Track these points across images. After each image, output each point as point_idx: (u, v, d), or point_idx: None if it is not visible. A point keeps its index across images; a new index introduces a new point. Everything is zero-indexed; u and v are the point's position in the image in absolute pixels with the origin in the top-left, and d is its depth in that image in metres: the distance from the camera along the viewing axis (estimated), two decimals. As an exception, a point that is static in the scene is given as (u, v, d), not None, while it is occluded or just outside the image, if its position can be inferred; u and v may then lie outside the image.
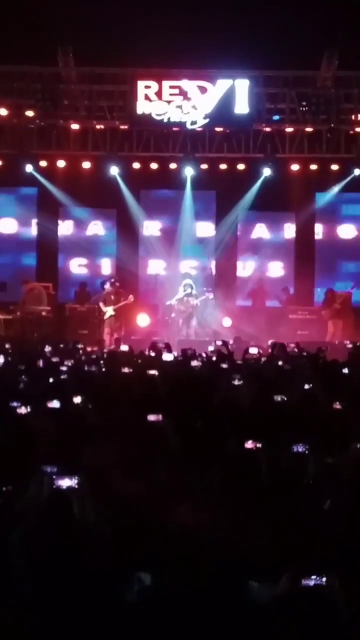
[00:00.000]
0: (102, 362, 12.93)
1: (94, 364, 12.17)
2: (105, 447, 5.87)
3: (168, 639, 3.06)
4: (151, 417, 6.18)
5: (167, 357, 13.18)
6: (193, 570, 3.28)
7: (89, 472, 4.19)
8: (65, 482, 3.87)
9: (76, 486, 3.85)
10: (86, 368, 11.78)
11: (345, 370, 11.52)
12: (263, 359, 13.91)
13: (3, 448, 5.41)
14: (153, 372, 10.16)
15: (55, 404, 7.19)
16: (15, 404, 6.75)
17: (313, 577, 3.07)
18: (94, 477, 4.25)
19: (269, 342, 17.44)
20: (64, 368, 11.66)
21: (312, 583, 3.07)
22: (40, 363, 12.40)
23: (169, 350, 14.30)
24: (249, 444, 5.30)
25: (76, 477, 3.88)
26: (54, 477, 3.90)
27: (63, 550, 3.54)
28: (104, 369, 11.81)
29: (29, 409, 6.62)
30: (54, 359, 12.66)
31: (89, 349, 17.12)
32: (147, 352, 14.46)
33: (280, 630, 2.99)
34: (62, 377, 10.34)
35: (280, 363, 12.77)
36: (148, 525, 3.79)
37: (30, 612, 3.22)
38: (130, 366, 11.05)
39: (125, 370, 10.61)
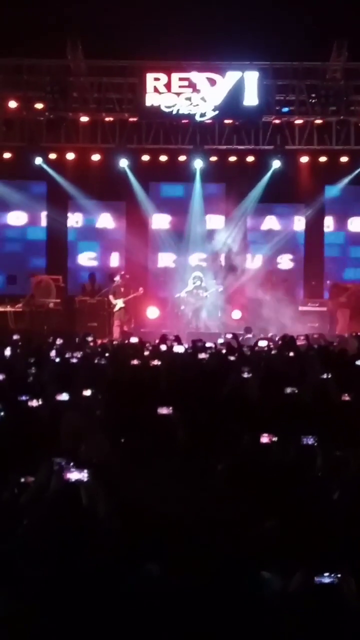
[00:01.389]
0: (111, 354, 12.94)
1: (103, 357, 12.17)
2: (113, 440, 5.89)
3: (177, 629, 3.07)
4: (162, 410, 6.19)
5: (178, 349, 13.20)
6: (202, 561, 3.29)
7: (98, 465, 4.21)
8: (75, 475, 3.88)
9: (85, 479, 3.86)
10: (96, 360, 11.79)
11: (358, 362, 11.50)
12: (272, 352, 13.91)
13: (14, 440, 5.43)
14: (156, 362, 10.19)
15: (64, 396, 7.21)
16: (25, 397, 6.77)
17: (326, 574, 3.07)
18: (103, 469, 4.26)
19: (278, 334, 17.46)
20: (73, 360, 11.69)
21: (325, 581, 3.06)
22: (50, 355, 12.43)
23: (179, 343, 14.33)
24: (265, 438, 5.30)
25: (85, 470, 3.89)
26: (64, 469, 3.91)
27: (71, 541, 3.55)
28: (113, 362, 11.81)
29: (39, 402, 6.64)
30: (64, 352, 12.68)
31: (98, 341, 17.13)
32: (157, 344, 14.48)
33: (293, 626, 3.00)
34: (71, 369, 10.35)
35: (289, 355, 12.76)
36: (157, 517, 3.80)
37: (38, 602, 3.23)
38: (139, 358, 11.07)
39: (135, 362, 10.63)
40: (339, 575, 3.06)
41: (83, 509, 3.74)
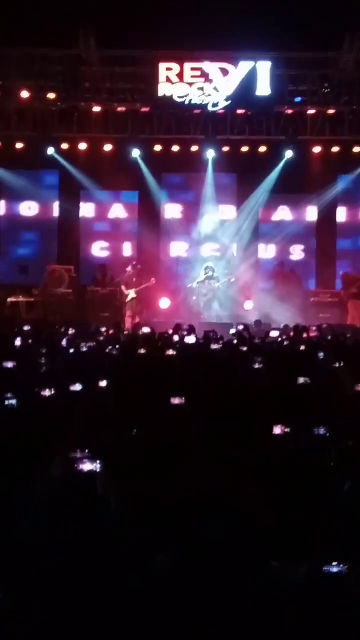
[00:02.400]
0: (123, 344, 12.95)
1: (116, 347, 12.18)
2: (126, 430, 5.89)
3: (186, 619, 3.08)
4: (174, 401, 6.19)
5: (190, 339, 13.21)
6: (212, 551, 3.30)
7: (111, 455, 4.21)
8: (87, 466, 3.88)
9: (98, 470, 3.86)
10: (108, 351, 11.80)
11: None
12: (284, 342, 13.90)
13: (26, 430, 5.44)
14: (171, 352, 10.19)
15: (77, 387, 7.21)
16: (37, 387, 6.78)
17: (335, 564, 3.06)
18: (115, 460, 4.27)
19: (290, 325, 17.45)
20: (84, 349, 11.71)
21: (334, 570, 3.06)
22: (62, 345, 12.45)
23: (193, 333, 14.34)
24: (278, 430, 5.30)
25: (98, 462, 3.89)
26: (76, 460, 3.92)
27: (82, 532, 3.56)
28: (125, 352, 11.82)
29: (52, 392, 6.65)
30: (76, 342, 12.70)
31: (110, 331, 17.14)
32: (171, 335, 14.49)
33: (301, 616, 3.00)
34: (83, 360, 10.36)
35: (301, 346, 12.75)
36: (168, 507, 3.80)
37: (46, 594, 3.24)
38: (151, 348, 11.08)
39: (142, 351, 10.64)
40: (347, 566, 3.06)
41: (96, 500, 3.75)
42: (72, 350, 11.78)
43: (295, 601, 3.02)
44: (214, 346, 12.06)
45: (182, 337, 13.87)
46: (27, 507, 3.85)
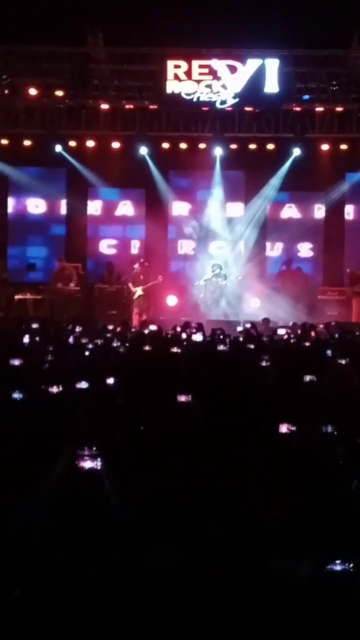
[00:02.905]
0: (130, 342, 12.95)
1: (123, 345, 12.18)
2: (132, 427, 5.89)
3: (188, 619, 3.07)
4: (181, 398, 6.18)
5: (197, 337, 13.20)
6: (214, 548, 3.29)
7: (116, 452, 4.21)
8: (88, 464, 3.87)
9: (99, 468, 3.85)
10: (114, 348, 11.80)
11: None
12: (291, 340, 13.88)
13: (33, 427, 5.44)
14: (175, 349, 10.18)
15: (83, 384, 7.21)
16: (44, 384, 6.78)
17: (338, 562, 3.05)
18: (119, 457, 4.26)
19: (297, 322, 17.44)
20: (90, 345, 11.71)
21: (337, 569, 3.04)
22: (69, 343, 12.45)
23: (201, 330, 14.33)
24: (283, 428, 5.29)
25: (99, 459, 3.88)
26: (78, 458, 3.91)
27: (84, 531, 3.56)
28: (132, 349, 11.82)
29: (60, 389, 6.65)
30: (83, 340, 12.71)
31: (118, 329, 17.14)
32: (179, 332, 14.49)
33: (303, 614, 2.98)
34: (90, 357, 10.37)
35: (308, 344, 12.73)
36: (173, 505, 3.79)
37: (50, 591, 3.24)
38: (157, 346, 11.07)
39: (147, 348, 10.65)
40: (351, 564, 3.05)
41: (100, 498, 3.74)
42: (79, 348, 11.79)
43: (298, 599, 3.01)
44: (220, 346, 12.04)
45: (189, 335, 13.86)
46: (32, 503, 3.84)
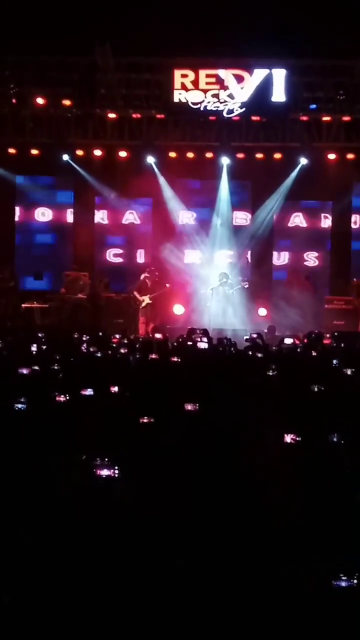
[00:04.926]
0: (136, 350, 12.96)
1: (129, 353, 12.20)
2: (139, 435, 5.90)
3: (201, 622, 3.08)
4: (188, 407, 6.20)
5: (202, 345, 13.20)
6: (226, 556, 3.30)
7: (127, 461, 4.22)
8: (105, 472, 3.89)
9: (115, 475, 3.87)
10: (120, 357, 11.82)
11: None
12: (298, 349, 13.88)
13: (44, 435, 5.45)
14: (175, 359, 10.21)
15: (89, 391, 7.24)
16: (52, 392, 6.80)
17: (343, 578, 3.05)
18: (131, 465, 4.28)
19: (304, 332, 17.43)
20: (98, 354, 11.73)
21: (343, 584, 3.04)
22: (76, 351, 12.47)
23: (207, 337, 14.34)
24: (288, 438, 5.30)
25: (115, 467, 3.90)
26: (95, 466, 3.93)
27: (100, 536, 3.57)
28: (138, 358, 11.84)
29: (67, 397, 6.67)
30: (90, 348, 12.73)
31: (123, 338, 17.15)
32: (184, 340, 14.50)
33: (309, 625, 2.99)
34: (97, 365, 10.39)
35: (315, 353, 12.74)
36: (184, 512, 3.81)
37: (62, 596, 3.25)
38: (162, 354, 11.08)
39: (154, 356, 10.66)
40: (356, 580, 3.04)
41: (113, 505, 3.76)
42: (85, 356, 11.81)
43: (304, 610, 3.02)
44: (228, 353, 12.07)
45: (194, 343, 13.87)
46: (45, 510, 3.86)
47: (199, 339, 14.23)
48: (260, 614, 3.13)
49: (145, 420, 6.38)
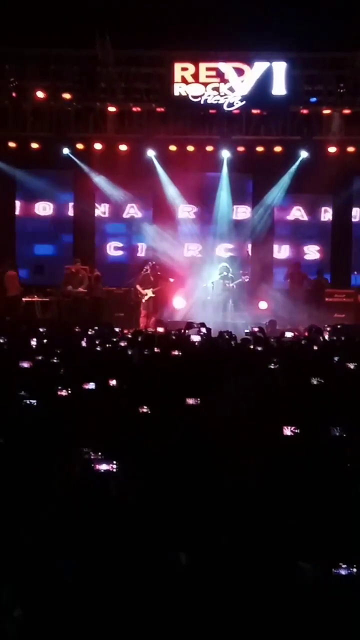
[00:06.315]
0: (138, 344, 12.95)
1: (130, 347, 12.20)
2: (139, 429, 5.90)
3: (205, 618, 3.09)
4: (189, 401, 6.21)
5: (195, 338, 13.19)
6: (234, 551, 3.31)
7: (127, 455, 4.23)
8: (104, 466, 3.90)
9: (114, 470, 3.88)
10: (121, 350, 11.82)
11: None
12: (299, 343, 13.87)
13: (43, 429, 5.46)
14: (176, 352, 10.21)
15: (90, 385, 7.24)
16: (53, 386, 6.80)
17: (344, 566, 3.06)
18: (131, 459, 4.28)
19: (304, 325, 17.43)
20: (98, 348, 11.73)
21: (342, 573, 3.06)
22: (77, 345, 12.46)
23: (207, 330, 14.34)
24: (287, 431, 5.31)
25: (114, 462, 3.91)
26: (93, 460, 3.94)
27: (98, 531, 3.57)
28: (139, 351, 11.83)
29: (69, 391, 6.68)
30: (91, 342, 12.72)
31: (125, 331, 17.17)
32: (183, 333, 14.51)
33: (310, 615, 3.00)
34: (98, 359, 10.39)
35: (316, 346, 12.74)
36: (186, 507, 3.81)
37: (67, 592, 3.26)
38: (164, 348, 11.09)
39: (156, 350, 10.66)
40: (355, 569, 3.06)
41: (112, 499, 3.76)
42: (87, 350, 11.81)
43: (304, 601, 3.03)
44: (227, 346, 12.07)
45: (187, 336, 13.88)
46: (44, 505, 3.87)
47: (194, 333, 14.22)
48: (260, 606, 3.14)
49: (144, 410, 6.39)
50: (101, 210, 24.51)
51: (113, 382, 7.82)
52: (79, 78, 22.20)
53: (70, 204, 24.48)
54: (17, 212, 24.69)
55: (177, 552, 3.39)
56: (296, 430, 5.40)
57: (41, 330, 14.61)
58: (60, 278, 22.58)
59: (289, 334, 14.77)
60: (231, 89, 21.74)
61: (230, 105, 21.84)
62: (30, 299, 21.65)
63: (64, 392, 6.64)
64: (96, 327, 15.77)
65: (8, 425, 5.61)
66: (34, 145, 23.14)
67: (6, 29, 20.34)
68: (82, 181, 23.77)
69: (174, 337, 14.09)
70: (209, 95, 21.78)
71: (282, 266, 23.97)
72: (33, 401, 6.11)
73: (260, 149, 23.03)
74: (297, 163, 22.92)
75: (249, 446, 5.24)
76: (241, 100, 21.79)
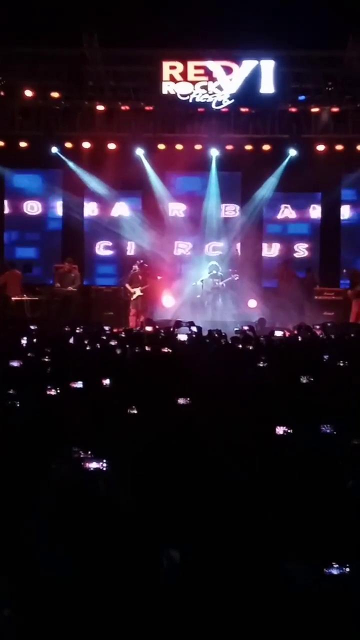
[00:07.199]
0: (126, 343, 12.94)
1: (119, 345, 12.18)
2: (130, 428, 5.89)
3: (197, 618, 3.08)
4: (180, 401, 6.20)
5: (182, 337, 13.17)
6: (224, 549, 3.30)
7: (117, 454, 4.21)
8: (93, 465, 3.89)
9: (104, 468, 3.87)
10: (111, 349, 11.80)
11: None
12: (288, 341, 13.88)
13: (32, 428, 5.44)
14: (166, 350, 10.21)
15: (79, 384, 7.23)
16: (42, 385, 6.78)
17: (335, 566, 3.05)
18: (122, 458, 4.27)
19: (294, 323, 17.44)
20: (89, 347, 11.72)
21: (334, 572, 3.05)
22: (66, 344, 12.45)
23: (194, 329, 14.33)
24: (280, 430, 5.30)
25: (104, 460, 3.90)
26: (82, 459, 3.92)
27: (87, 531, 3.56)
28: (128, 350, 11.82)
29: (58, 391, 6.66)
30: (80, 341, 12.70)
31: (114, 330, 17.14)
32: (171, 331, 14.50)
33: (303, 615, 2.99)
34: (87, 358, 10.37)
35: (305, 344, 12.75)
36: (178, 506, 3.80)
37: (56, 593, 3.24)
38: (153, 346, 11.08)
39: (147, 349, 10.66)
40: (348, 568, 3.05)
41: (101, 499, 3.75)
42: (76, 349, 11.79)
43: (297, 601, 3.02)
44: (217, 344, 12.06)
45: (175, 335, 13.88)
46: (34, 505, 3.85)
47: (182, 332, 14.21)
48: (254, 605, 3.13)
49: (134, 412, 6.38)
50: (90, 208, 24.47)
51: (103, 381, 7.80)
52: (67, 77, 22.16)
53: (59, 203, 24.44)
54: (5, 210, 24.64)
55: (169, 550, 3.38)
56: (289, 430, 5.39)
57: (32, 328, 14.60)
58: (49, 277, 22.54)
59: (278, 333, 14.77)
60: (219, 88, 21.73)
61: (219, 103, 21.83)
62: (19, 298, 21.60)
63: (52, 392, 6.63)
64: (85, 326, 15.75)
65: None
66: (23, 144, 23.11)
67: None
68: (70, 180, 23.74)
69: (162, 336, 14.09)
70: (198, 94, 21.76)
71: (271, 264, 23.98)
72: (18, 401, 6.09)
73: (248, 147, 23.04)
74: (285, 161, 22.94)
75: (239, 444, 5.24)
76: (229, 99, 21.78)
